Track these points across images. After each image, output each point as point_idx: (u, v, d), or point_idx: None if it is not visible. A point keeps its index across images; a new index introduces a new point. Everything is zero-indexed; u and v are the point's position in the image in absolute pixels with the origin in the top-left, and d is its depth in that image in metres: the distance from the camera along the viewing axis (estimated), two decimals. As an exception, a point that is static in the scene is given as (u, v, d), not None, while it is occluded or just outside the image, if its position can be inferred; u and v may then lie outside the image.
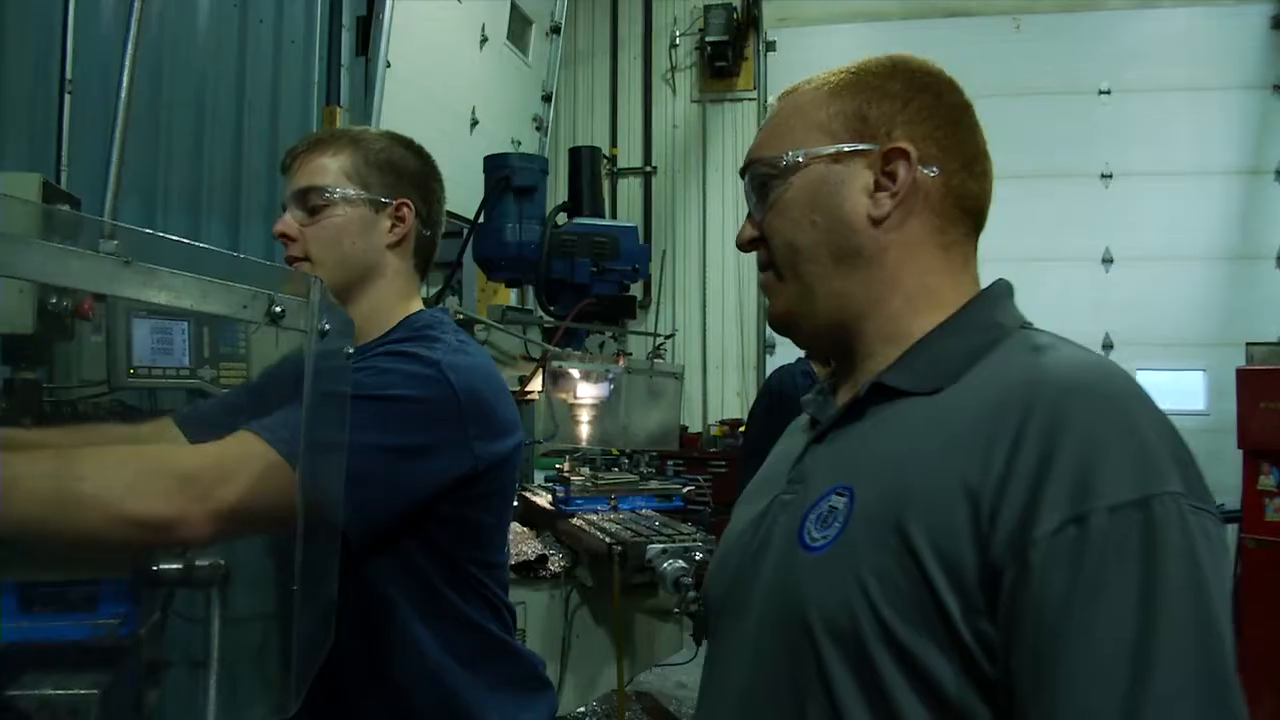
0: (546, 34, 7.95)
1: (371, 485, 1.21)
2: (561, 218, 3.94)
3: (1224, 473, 4.80)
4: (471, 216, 3.98)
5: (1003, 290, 1.03)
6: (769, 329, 8.45)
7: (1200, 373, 7.56)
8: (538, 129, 7.93)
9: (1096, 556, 0.72)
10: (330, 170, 1.46)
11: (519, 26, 7.38)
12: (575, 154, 4.13)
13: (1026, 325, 0.99)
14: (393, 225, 1.49)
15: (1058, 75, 7.80)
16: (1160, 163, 7.72)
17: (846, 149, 1.00)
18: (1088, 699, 0.70)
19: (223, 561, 1.14)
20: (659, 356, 8.95)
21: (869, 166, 1.00)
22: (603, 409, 3.78)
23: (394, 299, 1.50)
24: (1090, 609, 0.71)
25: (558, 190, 4.89)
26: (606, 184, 8.89)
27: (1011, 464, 0.77)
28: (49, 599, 1.04)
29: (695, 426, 8.46)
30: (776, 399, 4.82)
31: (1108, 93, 7.88)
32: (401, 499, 1.28)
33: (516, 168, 3.82)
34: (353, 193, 1.44)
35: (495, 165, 3.87)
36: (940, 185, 1.01)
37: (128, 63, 2.84)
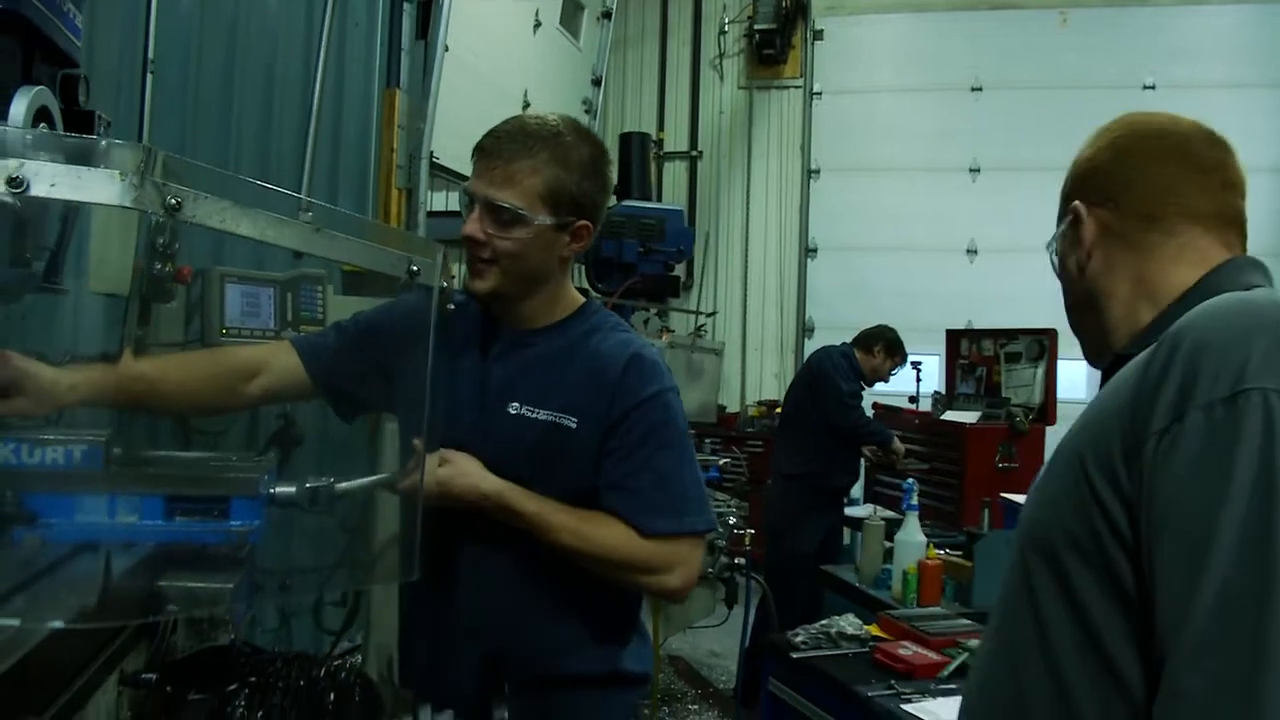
0: (598, 19, 8.09)
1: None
2: (611, 199, 4.13)
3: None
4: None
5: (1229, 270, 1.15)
6: (808, 312, 8.64)
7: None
8: (587, 112, 8.08)
9: (1193, 448, 0.88)
10: (528, 189, 1.53)
11: (571, 11, 7.54)
12: (626, 140, 4.32)
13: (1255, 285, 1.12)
14: (572, 241, 1.61)
15: (1102, 70, 7.82)
16: (1204, 159, 7.74)
17: None
18: (1180, 570, 0.87)
19: (334, 480, 1.34)
20: (700, 335, 9.14)
21: None
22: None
23: (563, 290, 1.68)
24: (1187, 491, 0.88)
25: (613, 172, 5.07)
26: (652, 167, 9.05)
27: (1142, 385, 0.94)
28: (190, 508, 1.25)
29: (733, 406, 8.60)
30: (815, 377, 4.99)
31: (1152, 88, 7.90)
32: None
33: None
34: (542, 219, 1.54)
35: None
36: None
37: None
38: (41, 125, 1.12)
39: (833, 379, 4.85)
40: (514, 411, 1.58)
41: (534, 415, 1.57)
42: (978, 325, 6.92)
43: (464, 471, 1.51)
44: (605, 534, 1.54)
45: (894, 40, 8.53)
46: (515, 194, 1.52)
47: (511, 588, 1.55)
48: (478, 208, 1.54)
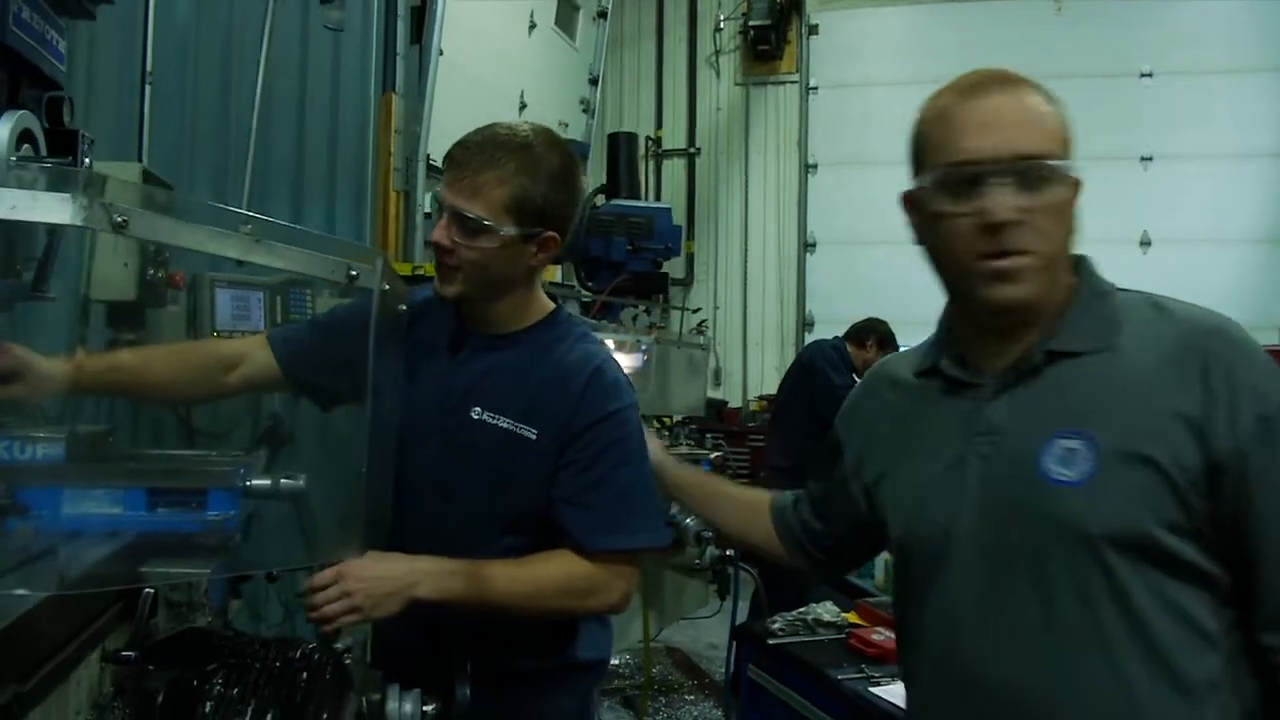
0: (594, 18, 8.16)
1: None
2: (600, 199, 4.21)
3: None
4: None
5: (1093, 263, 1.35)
6: (808, 306, 8.71)
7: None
8: (585, 111, 8.15)
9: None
10: (493, 200, 1.56)
11: (567, 11, 7.61)
12: (614, 139, 4.40)
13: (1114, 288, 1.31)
14: (538, 251, 1.65)
15: (1098, 58, 7.84)
16: (1201, 145, 7.77)
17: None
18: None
19: (302, 481, 1.43)
20: (700, 332, 9.19)
21: None
22: (636, 379, 4.04)
23: (531, 296, 1.72)
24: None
25: (604, 171, 5.15)
26: (651, 165, 9.12)
27: (1210, 392, 1.10)
28: (171, 500, 1.34)
29: (735, 401, 8.69)
30: (806, 370, 5.06)
31: (1150, 75, 7.92)
32: None
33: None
34: (507, 230, 1.58)
35: (536, 149, 4.14)
36: None
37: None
38: (25, 146, 1.21)
39: (825, 372, 4.91)
40: (475, 417, 1.63)
41: (494, 422, 1.62)
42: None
43: (390, 588, 1.48)
44: (543, 569, 1.60)
45: (888, 33, 8.58)
46: (481, 205, 1.56)
47: None
48: (446, 215, 1.60)
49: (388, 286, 1.00)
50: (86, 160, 1.41)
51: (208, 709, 1.23)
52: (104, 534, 1.30)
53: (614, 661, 5.03)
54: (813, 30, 8.71)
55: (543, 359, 1.68)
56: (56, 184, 0.80)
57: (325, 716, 1.28)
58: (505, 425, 1.62)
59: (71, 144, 1.39)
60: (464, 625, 1.65)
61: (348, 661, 1.45)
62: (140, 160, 3.57)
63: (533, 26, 6.97)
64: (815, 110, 8.73)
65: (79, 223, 0.78)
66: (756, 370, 8.88)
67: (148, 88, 3.71)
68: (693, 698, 4.74)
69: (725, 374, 9.09)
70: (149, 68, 3.71)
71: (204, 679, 1.27)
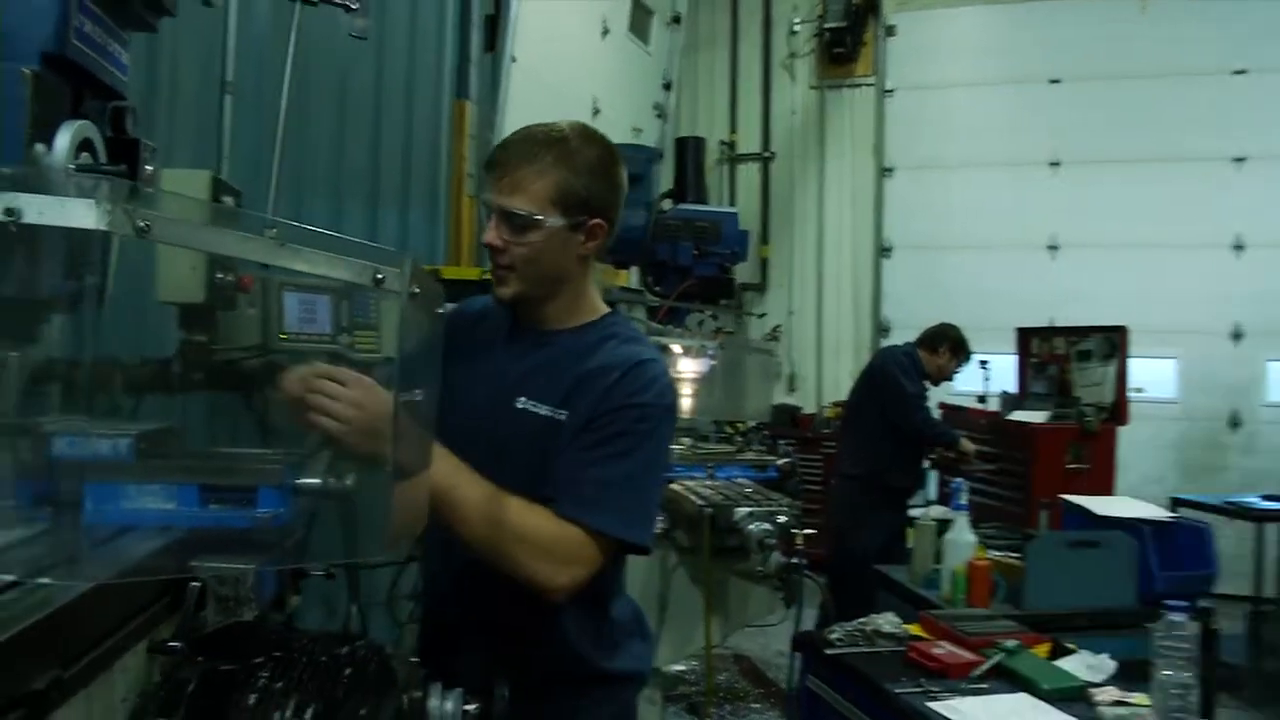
0: (667, 24, 8.20)
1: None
2: (667, 204, 4.22)
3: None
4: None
5: None
6: (883, 312, 8.59)
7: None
8: (658, 116, 8.19)
9: None
10: (536, 194, 1.59)
11: (640, 17, 7.66)
12: (681, 144, 4.41)
13: None
14: (586, 240, 1.68)
15: (1188, 56, 7.59)
16: (1300, 144, 7.47)
17: None
18: None
19: (350, 481, 1.45)
20: (775, 338, 9.15)
21: None
22: (703, 383, 4.04)
23: (585, 292, 1.75)
24: None
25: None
26: (725, 169, 9.10)
27: None
28: (222, 496, 1.37)
29: (809, 408, 8.61)
30: (877, 376, 5.00)
31: (1244, 73, 7.63)
32: None
33: (625, 157, 4.09)
34: (552, 220, 1.62)
35: (604, 155, 4.17)
36: None
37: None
38: (84, 154, 1.26)
39: (896, 379, 4.85)
40: (520, 406, 1.66)
41: (536, 410, 1.65)
42: (1060, 324, 6.80)
43: (379, 430, 1.36)
44: (517, 508, 1.54)
45: (967, 34, 8.41)
46: (524, 199, 1.60)
47: (507, 587, 1.58)
48: (494, 216, 1.63)
49: (417, 289, 1.02)
50: (148, 168, 1.47)
51: (251, 701, 1.26)
52: (157, 528, 1.34)
53: (679, 668, 5.01)
54: (890, 32, 8.60)
55: (590, 354, 1.69)
56: (89, 190, 0.83)
57: (364, 712, 1.30)
58: (545, 412, 1.64)
59: (133, 152, 1.44)
60: (507, 628, 1.67)
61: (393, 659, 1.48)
62: (219, 168, 3.69)
63: (606, 32, 7.04)
64: (892, 113, 8.61)
65: (103, 227, 0.81)
66: (831, 376, 8.78)
67: (227, 97, 3.83)
68: (759, 706, 4.71)
69: (799, 380, 9.02)
70: (229, 78, 3.83)
71: (249, 672, 1.31)
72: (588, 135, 1.69)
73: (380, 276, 0.97)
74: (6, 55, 1.15)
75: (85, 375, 2.06)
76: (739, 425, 7.26)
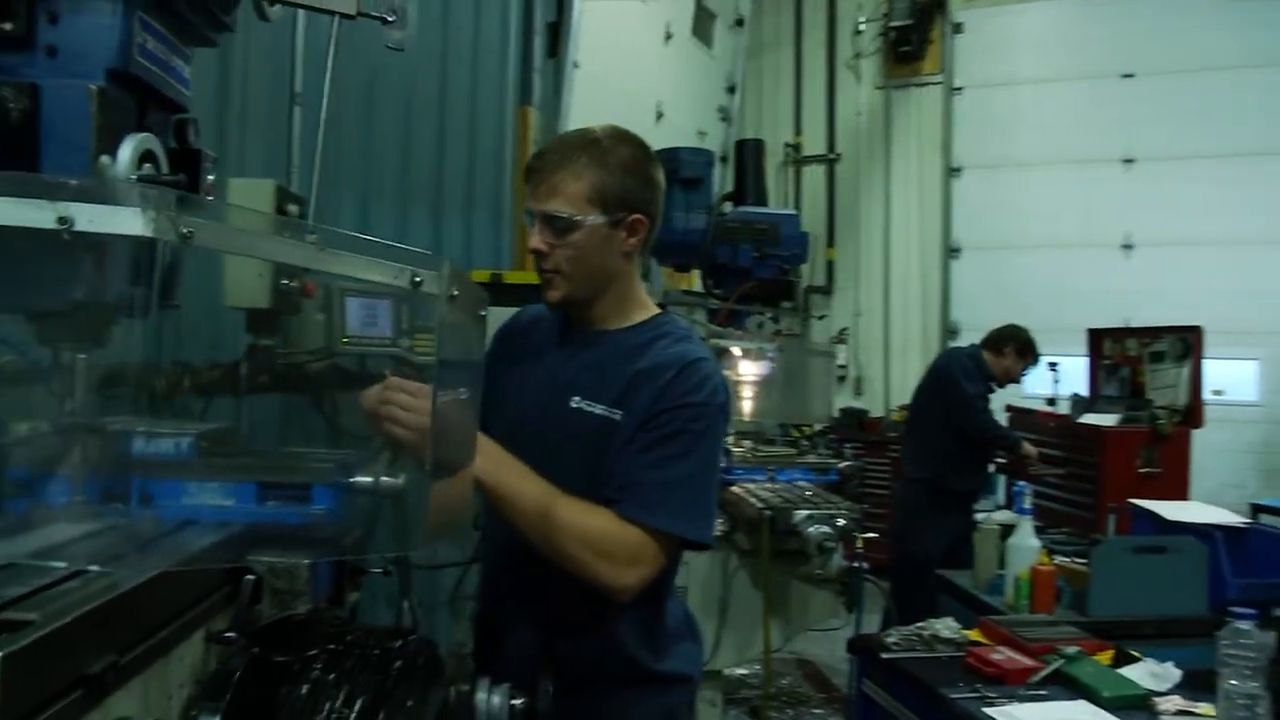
0: (731, 26, 8.21)
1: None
2: (727, 206, 4.22)
3: None
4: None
5: None
6: (952, 314, 8.46)
7: None
8: (723, 119, 8.20)
9: None
10: (573, 195, 1.64)
11: (704, 21, 7.67)
12: (740, 146, 4.42)
13: None
14: (628, 236, 1.72)
15: (1265, 46, 7.33)
16: None
17: None
18: None
19: (402, 480, 1.49)
20: (842, 340, 9.06)
21: None
22: (762, 385, 4.03)
23: (634, 291, 1.79)
24: None
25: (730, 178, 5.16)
26: (790, 172, 9.06)
27: None
28: (278, 494, 1.42)
29: (876, 411, 8.53)
30: (940, 378, 4.94)
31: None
32: None
33: (684, 160, 4.13)
34: (593, 219, 1.66)
35: (665, 159, 4.16)
36: None
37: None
38: (146, 165, 1.32)
39: (959, 381, 4.79)
40: (574, 405, 1.68)
41: (590, 409, 1.67)
42: (1135, 325, 6.64)
43: None
44: (578, 510, 1.58)
45: (1037, 29, 8.26)
46: (562, 201, 1.64)
47: (562, 585, 1.62)
48: (537, 222, 1.67)
49: (456, 292, 1.05)
50: (209, 178, 1.52)
51: (303, 691, 1.31)
52: (216, 523, 1.39)
53: (742, 671, 5.00)
54: (957, 29, 8.49)
55: (642, 353, 1.71)
56: (141, 199, 0.87)
57: (411, 703, 1.34)
58: (600, 411, 1.67)
59: (195, 163, 1.50)
60: (560, 626, 1.70)
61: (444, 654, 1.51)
62: (288, 178, 3.80)
63: (669, 36, 7.07)
64: (959, 111, 8.50)
65: (149, 234, 0.85)
66: (899, 379, 8.68)
67: (296, 108, 3.94)
68: (821, 711, 4.68)
69: (866, 383, 8.94)
70: (297, 89, 3.94)
71: (303, 663, 1.35)
72: (620, 135, 1.72)
73: (418, 279, 1.00)
74: (73, 72, 1.21)
75: (154, 378, 2.14)
76: (805, 429, 7.25)
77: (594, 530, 1.58)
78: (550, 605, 1.70)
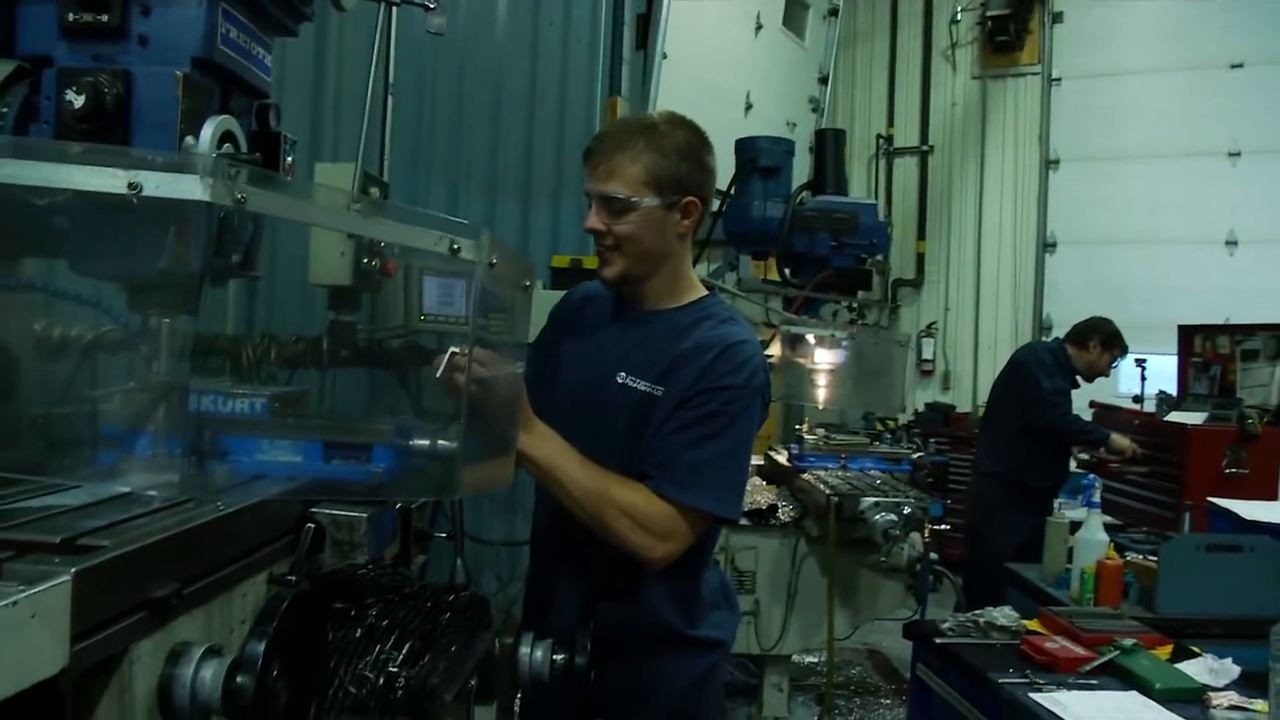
0: (824, 17, 8.13)
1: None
2: (806, 196, 4.23)
3: None
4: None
5: None
6: (1045, 309, 8.27)
7: None
8: (814, 111, 8.15)
9: None
10: (630, 177, 1.71)
11: (796, 12, 7.63)
12: (820, 135, 4.42)
13: None
14: (682, 218, 1.79)
15: None
16: None
17: None
18: None
19: (456, 443, 1.59)
20: (929, 335, 8.94)
21: None
22: (834, 375, 4.04)
23: (683, 271, 1.86)
24: None
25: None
26: (881, 164, 8.97)
27: None
28: (342, 453, 1.54)
29: (964, 406, 8.40)
30: (1017, 372, 4.87)
31: None
32: None
33: (762, 149, 4.15)
34: (648, 201, 1.74)
35: (744, 147, 4.22)
36: None
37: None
38: (226, 145, 1.44)
39: (1034, 376, 4.71)
40: (620, 381, 1.77)
41: (635, 385, 1.76)
42: (1236, 322, 6.41)
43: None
44: (619, 484, 1.68)
45: (1141, 18, 7.97)
46: (619, 183, 1.71)
47: (604, 552, 1.71)
48: (594, 202, 1.76)
49: (495, 261, 1.13)
50: (289, 159, 1.64)
51: (356, 634, 1.41)
52: (284, 478, 1.51)
53: (811, 658, 5.03)
54: (1057, 19, 8.27)
55: (688, 333, 1.79)
56: (187, 169, 0.98)
57: (455, 649, 1.43)
58: (644, 388, 1.75)
59: (274, 145, 1.61)
60: (602, 590, 1.78)
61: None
62: (381, 165, 3.95)
63: (759, 28, 7.06)
64: (1058, 103, 8.29)
65: (207, 199, 0.96)
66: (987, 374, 8.48)
67: (390, 98, 4.09)
68: (889, 702, 4.67)
69: (954, 378, 8.81)
70: (391, 80, 4.09)
71: (360, 610, 1.46)
72: (676, 120, 1.79)
73: (456, 247, 1.09)
74: (162, 60, 1.33)
75: (239, 345, 2.29)
76: (890, 422, 7.18)
77: (630, 504, 1.67)
78: (592, 570, 1.79)
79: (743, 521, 3.77)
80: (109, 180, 0.95)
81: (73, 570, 0.92)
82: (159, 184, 0.95)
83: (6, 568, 0.95)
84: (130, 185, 0.94)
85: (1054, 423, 4.65)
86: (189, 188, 0.95)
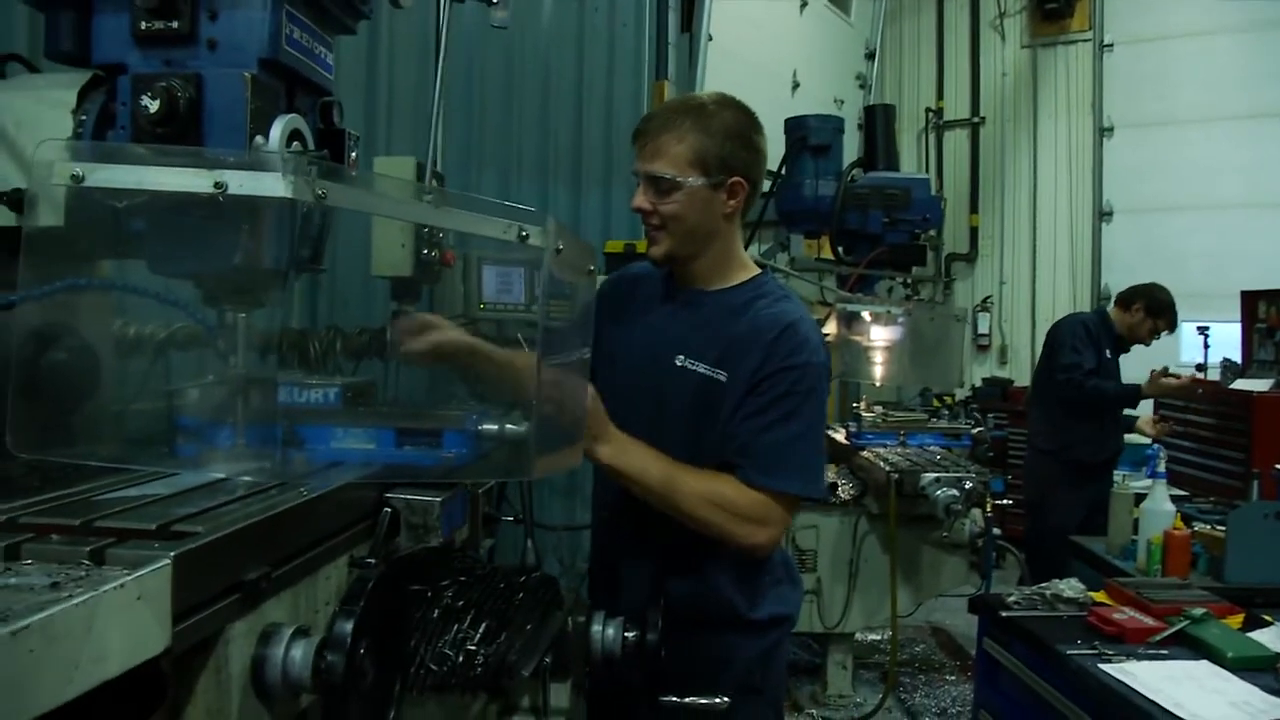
0: (870, -8, 8.05)
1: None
2: (857, 173, 4.21)
3: None
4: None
5: None
6: (1103, 280, 8.12)
7: None
8: (861, 86, 8.08)
9: None
10: (676, 157, 1.72)
11: (841, -13, 7.58)
12: (870, 111, 4.40)
13: None
14: (728, 198, 1.80)
15: None
16: None
17: None
18: None
19: (524, 428, 1.63)
20: (985, 310, 8.83)
21: None
22: (892, 350, 4.03)
23: (733, 251, 1.87)
24: None
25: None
26: (931, 137, 8.86)
27: None
28: (414, 439, 1.58)
29: (1021, 380, 8.29)
30: (1048, 346, 4.81)
31: None
32: None
33: (812, 127, 4.15)
34: (693, 180, 1.75)
35: (793, 126, 4.22)
36: None
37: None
38: (294, 143, 1.48)
39: (1058, 349, 4.63)
40: (679, 363, 1.79)
41: (693, 367, 1.77)
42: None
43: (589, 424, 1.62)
44: (708, 479, 1.71)
45: (1200, -19, 7.78)
46: (666, 163, 1.73)
47: (672, 532, 1.74)
48: (642, 182, 1.77)
49: (561, 247, 1.15)
50: (353, 154, 1.68)
51: (435, 614, 1.46)
52: (360, 464, 1.55)
53: (874, 636, 5.03)
54: (1108, -17, 8.10)
55: (743, 313, 1.80)
56: (269, 167, 1.02)
57: (529, 627, 1.47)
58: (703, 370, 1.77)
59: (339, 141, 1.65)
60: (667, 567, 1.81)
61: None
62: (436, 156, 4.01)
63: (804, 5, 7.02)
64: (1110, 69, 8.11)
65: (289, 195, 1.00)
66: (1045, 348, 8.42)
67: (440, 86, 4.14)
68: (953, 678, 4.65)
69: (1011, 351, 8.70)
70: (440, 74, 4.13)
71: (437, 591, 1.50)
72: (724, 101, 1.79)
73: (525, 234, 1.11)
74: (229, 62, 1.37)
75: (308, 338, 2.35)
76: (948, 398, 7.12)
77: (721, 496, 1.70)
78: (660, 552, 1.81)
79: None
80: (196, 180, 1.00)
81: (172, 554, 0.97)
82: (243, 183, 0.99)
83: (109, 553, 1.00)
84: (216, 185, 0.98)
85: (1074, 395, 4.53)
86: (272, 185, 0.99)
